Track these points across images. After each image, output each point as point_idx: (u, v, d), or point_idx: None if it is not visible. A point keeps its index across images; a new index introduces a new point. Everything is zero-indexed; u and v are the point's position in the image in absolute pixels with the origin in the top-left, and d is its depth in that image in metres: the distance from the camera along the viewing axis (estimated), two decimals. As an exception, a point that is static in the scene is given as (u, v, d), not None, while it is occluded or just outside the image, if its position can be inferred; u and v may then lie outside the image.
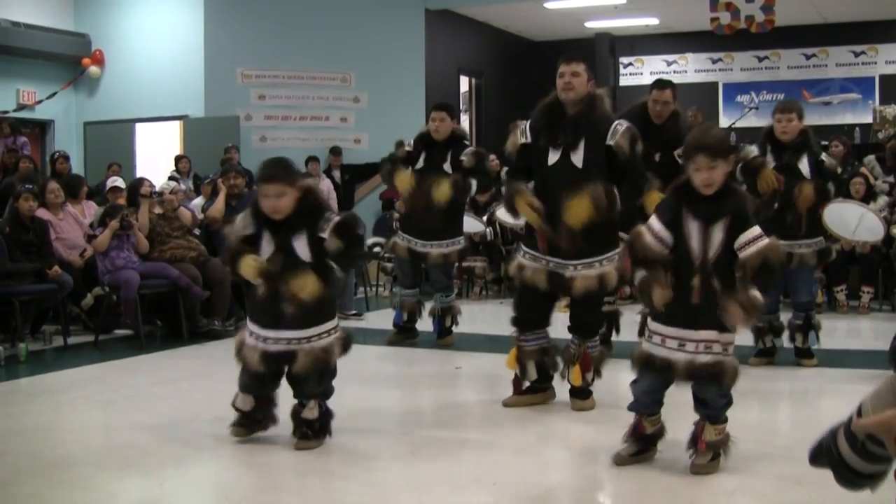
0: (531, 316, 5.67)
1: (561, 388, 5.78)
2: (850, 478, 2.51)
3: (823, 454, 2.56)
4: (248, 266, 4.70)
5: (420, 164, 7.66)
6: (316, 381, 4.83)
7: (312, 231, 4.72)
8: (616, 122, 5.45)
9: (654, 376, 4.36)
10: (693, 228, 4.25)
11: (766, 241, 4.17)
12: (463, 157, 7.57)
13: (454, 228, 7.85)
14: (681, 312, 4.24)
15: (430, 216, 7.58)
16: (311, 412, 4.83)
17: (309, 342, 4.76)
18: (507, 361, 5.78)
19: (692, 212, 4.26)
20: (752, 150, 6.85)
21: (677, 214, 4.28)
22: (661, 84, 6.89)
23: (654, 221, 4.33)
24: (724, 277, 4.20)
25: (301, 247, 4.73)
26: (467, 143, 7.80)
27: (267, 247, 4.77)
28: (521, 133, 5.57)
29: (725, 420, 4.37)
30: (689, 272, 4.23)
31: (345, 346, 4.90)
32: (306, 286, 4.62)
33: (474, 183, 7.59)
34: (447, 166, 7.60)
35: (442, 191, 7.44)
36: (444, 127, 7.64)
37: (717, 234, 4.22)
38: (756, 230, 4.20)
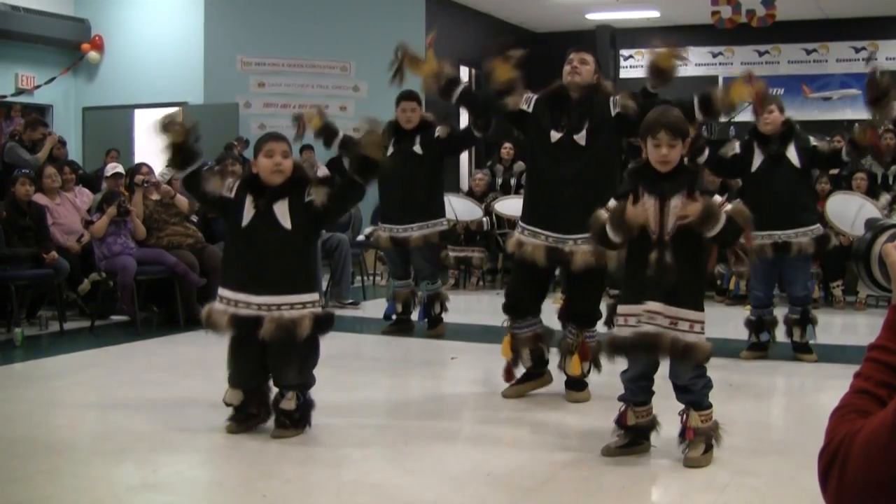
0: (523, 303, 5.69)
1: (557, 379, 5.80)
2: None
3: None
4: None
5: (388, 150, 7.71)
6: (296, 370, 4.84)
7: (295, 199, 4.83)
8: (614, 95, 5.53)
9: (623, 356, 4.44)
10: (650, 205, 4.32)
11: (728, 206, 4.28)
12: (437, 132, 7.72)
13: (433, 208, 7.86)
14: (641, 288, 4.33)
15: (407, 200, 7.64)
16: (288, 403, 4.83)
17: (279, 310, 4.76)
18: (501, 350, 5.79)
19: (648, 189, 4.34)
20: (734, 146, 6.96)
21: (635, 194, 4.36)
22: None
23: (612, 203, 4.43)
24: (679, 252, 4.25)
25: (282, 212, 4.82)
26: (435, 127, 7.83)
27: (248, 210, 4.84)
28: (526, 101, 5.62)
29: (710, 406, 4.40)
30: (646, 248, 4.30)
31: (320, 324, 4.85)
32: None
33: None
34: (417, 148, 7.69)
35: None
36: (416, 117, 7.77)
37: (674, 210, 4.28)
38: (718, 199, 4.32)
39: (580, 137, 5.43)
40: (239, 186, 4.94)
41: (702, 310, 4.36)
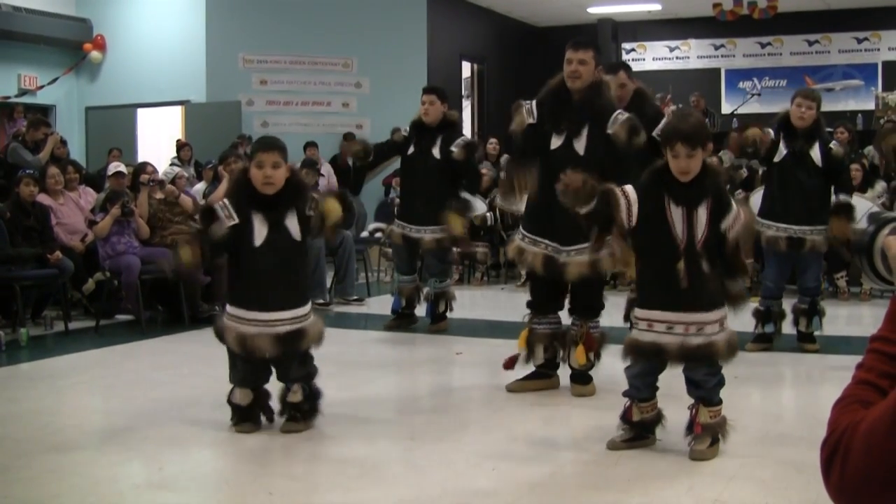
0: (546, 300, 5.67)
1: (562, 374, 5.80)
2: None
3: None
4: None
5: (410, 149, 7.67)
6: (297, 364, 4.86)
7: (299, 211, 4.81)
8: (618, 111, 5.43)
9: (646, 361, 4.41)
10: (677, 214, 4.28)
11: (742, 215, 4.30)
12: (454, 149, 7.54)
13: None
14: (668, 296, 4.29)
15: (423, 202, 7.61)
16: (294, 395, 4.86)
17: (292, 323, 4.78)
18: (518, 342, 5.76)
19: (674, 198, 4.29)
20: (770, 132, 6.94)
21: (660, 201, 4.30)
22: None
23: (631, 195, 4.31)
24: (712, 259, 4.28)
25: (293, 226, 4.80)
26: (459, 129, 7.76)
27: (260, 229, 4.76)
28: (528, 112, 5.55)
29: (720, 402, 4.39)
30: (673, 257, 4.26)
31: (320, 330, 4.92)
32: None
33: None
34: (436, 151, 7.58)
35: (456, 225, 7.44)
36: (434, 110, 7.61)
37: (702, 217, 4.28)
38: (734, 208, 4.32)
39: (579, 146, 5.37)
40: (238, 202, 4.80)
41: (724, 305, 4.39)
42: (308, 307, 4.91)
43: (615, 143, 5.30)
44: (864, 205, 9.10)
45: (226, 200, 4.83)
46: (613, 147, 5.31)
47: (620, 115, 5.38)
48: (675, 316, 4.28)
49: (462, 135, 7.92)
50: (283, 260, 4.80)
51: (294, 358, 4.84)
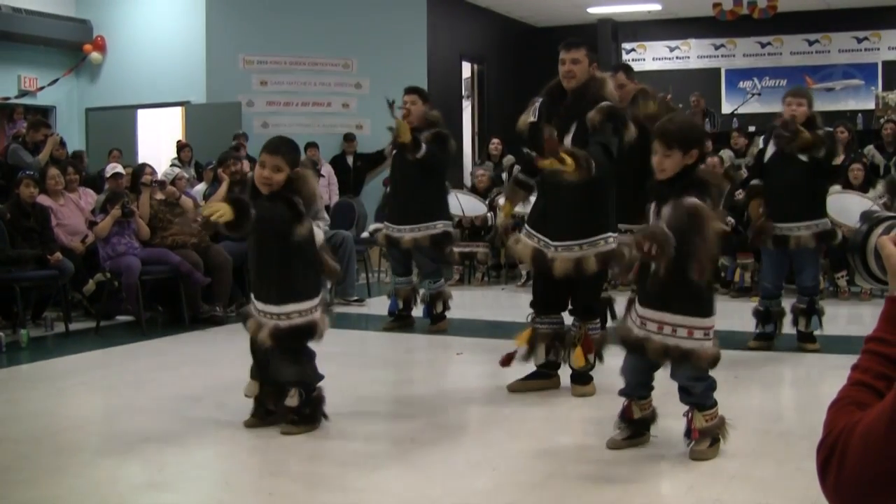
0: (547, 299, 5.68)
1: (563, 375, 5.80)
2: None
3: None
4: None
5: (394, 151, 7.70)
6: (292, 369, 4.87)
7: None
8: (602, 102, 5.38)
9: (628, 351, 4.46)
10: (651, 210, 4.31)
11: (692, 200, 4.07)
12: (423, 137, 7.49)
13: (427, 211, 7.74)
14: (643, 291, 4.35)
15: (402, 201, 7.61)
16: (291, 400, 4.86)
17: (273, 318, 4.82)
18: (518, 338, 5.77)
19: (652, 194, 4.32)
20: (758, 143, 6.97)
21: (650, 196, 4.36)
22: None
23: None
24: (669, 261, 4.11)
25: None
26: (438, 129, 7.67)
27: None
28: (533, 112, 5.64)
29: (714, 405, 4.39)
30: None
31: (312, 331, 4.89)
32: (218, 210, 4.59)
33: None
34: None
35: (403, 132, 7.37)
36: (415, 110, 7.65)
37: (664, 217, 4.22)
38: (677, 209, 4.11)
39: (568, 141, 5.36)
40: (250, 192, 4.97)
41: (706, 315, 4.30)
42: (280, 308, 4.84)
43: (590, 128, 5.30)
44: (853, 200, 9.15)
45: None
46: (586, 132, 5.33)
47: (603, 105, 5.35)
48: (643, 311, 4.34)
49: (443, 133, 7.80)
50: (258, 255, 4.93)
51: (283, 360, 4.85)
